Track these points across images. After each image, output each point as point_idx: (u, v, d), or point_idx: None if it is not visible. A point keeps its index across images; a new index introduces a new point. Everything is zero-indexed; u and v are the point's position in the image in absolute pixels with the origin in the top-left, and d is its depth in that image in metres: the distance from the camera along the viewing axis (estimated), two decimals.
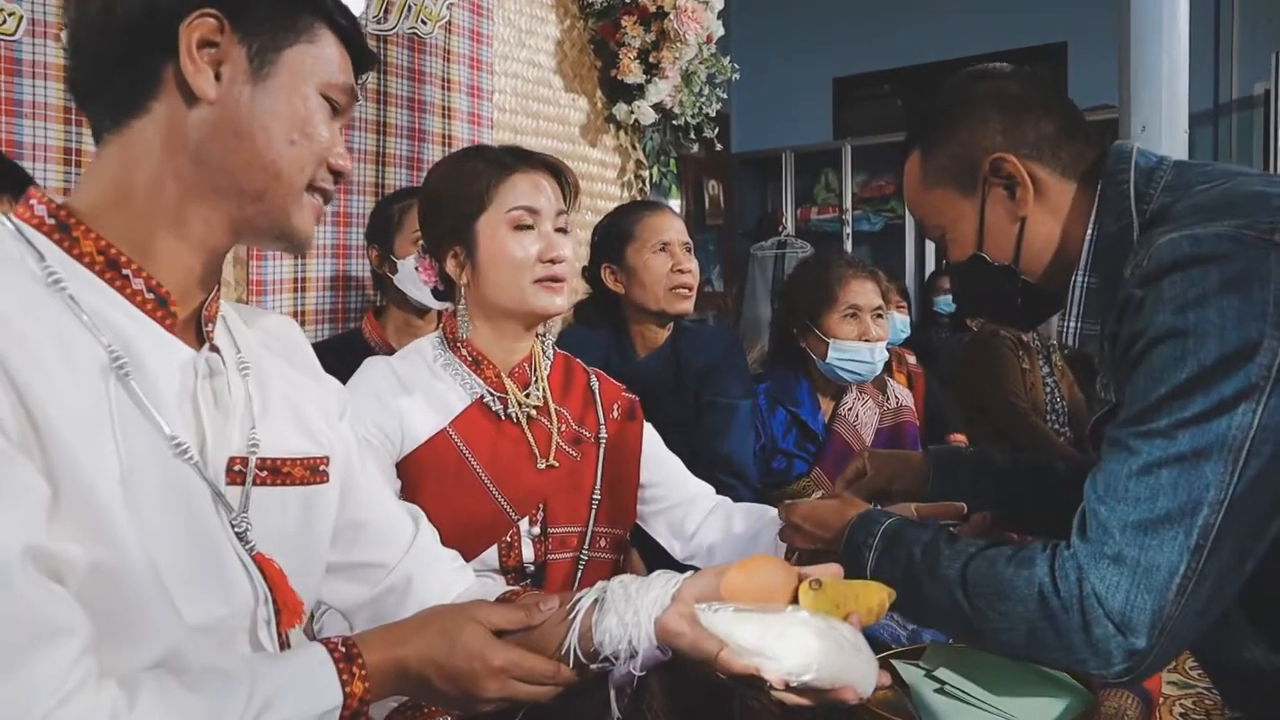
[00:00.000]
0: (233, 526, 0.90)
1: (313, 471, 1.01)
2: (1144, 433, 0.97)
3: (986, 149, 1.19)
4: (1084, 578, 0.97)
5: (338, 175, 0.96)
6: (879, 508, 1.27)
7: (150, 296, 0.88)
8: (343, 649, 0.88)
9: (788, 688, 0.86)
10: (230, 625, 0.88)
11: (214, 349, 0.94)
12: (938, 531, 1.13)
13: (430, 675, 0.91)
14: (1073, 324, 1.19)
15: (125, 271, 0.86)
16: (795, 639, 0.86)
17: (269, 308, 2.34)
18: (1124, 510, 0.97)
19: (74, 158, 1.97)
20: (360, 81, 0.98)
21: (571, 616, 0.95)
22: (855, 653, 0.89)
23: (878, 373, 2.40)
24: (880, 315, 2.37)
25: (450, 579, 1.17)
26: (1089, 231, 1.16)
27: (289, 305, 2.43)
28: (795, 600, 0.93)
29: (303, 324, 2.46)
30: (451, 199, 1.45)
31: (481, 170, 1.44)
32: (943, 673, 1.21)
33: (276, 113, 0.89)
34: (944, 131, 1.23)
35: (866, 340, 2.31)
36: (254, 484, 0.93)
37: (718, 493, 1.68)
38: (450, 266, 1.47)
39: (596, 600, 0.95)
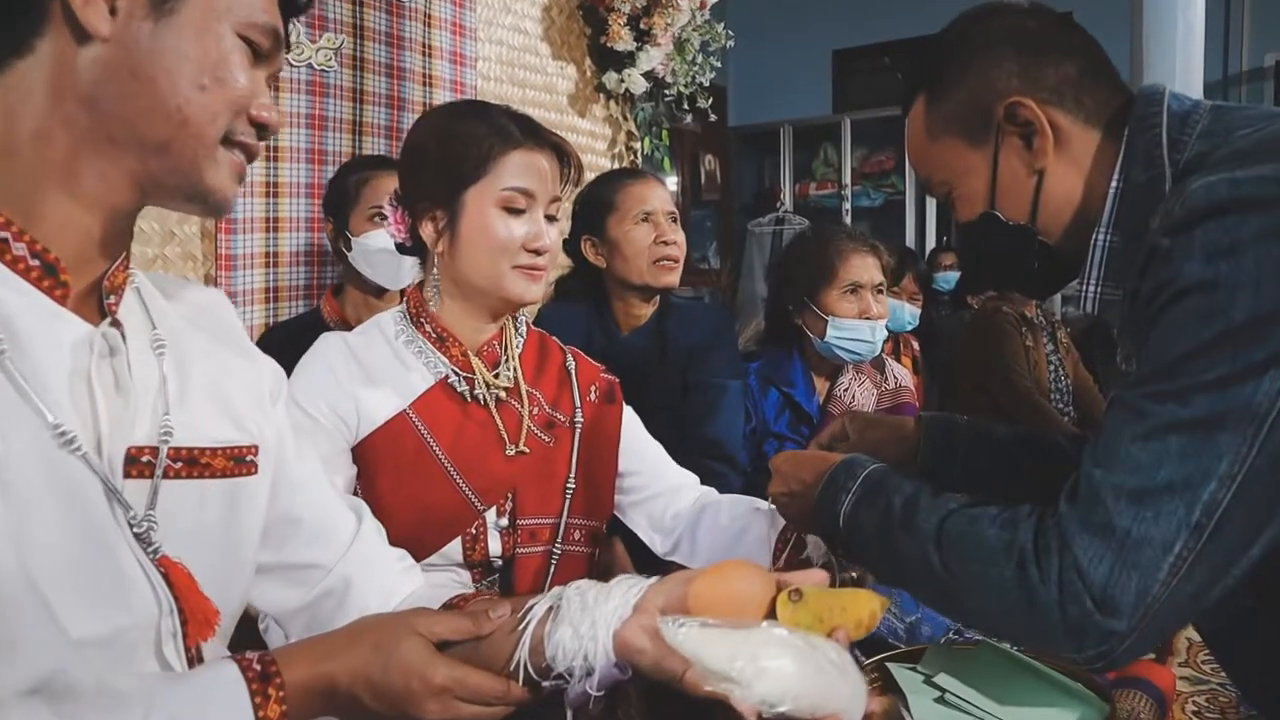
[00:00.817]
0: (131, 526, 0.79)
1: (237, 462, 0.90)
2: (1155, 394, 0.86)
3: (1001, 92, 1.06)
4: (1067, 547, 0.87)
5: (262, 129, 0.86)
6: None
7: (35, 264, 0.77)
8: (257, 667, 0.78)
9: (761, 718, 0.75)
10: (128, 639, 0.78)
11: (115, 324, 0.83)
12: (924, 484, 1.03)
13: (361, 695, 0.81)
14: (1091, 288, 1.07)
15: (4, 234, 0.76)
16: (769, 661, 0.76)
17: (238, 283, 2.25)
18: (1120, 476, 0.86)
19: None
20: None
21: (522, 627, 0.84)
22: (840, 676, 0.78)
23: (877, 352, 2.28)
24: (881, 291, 2.26)
25: (394, 581, 1.07)
26: (1113, 184, 1.04)
27: (260, 281, 2.32)
28: (773, 613, 0.82)
29: (275, 300, 2.36)
30: (442, 158, 1.32)
31: (483, 135, 1.31)
32: (943, 679, 1.12)
33: (183, 53, 0.79)
34: (953, 74, 1.10)
35: (867, 318, 2.19)
36: (165, 476, 0.83)
37: (705, 481, 1.57)
38: (426, 229, 1.35)
39: (551, 609, 0.84)
